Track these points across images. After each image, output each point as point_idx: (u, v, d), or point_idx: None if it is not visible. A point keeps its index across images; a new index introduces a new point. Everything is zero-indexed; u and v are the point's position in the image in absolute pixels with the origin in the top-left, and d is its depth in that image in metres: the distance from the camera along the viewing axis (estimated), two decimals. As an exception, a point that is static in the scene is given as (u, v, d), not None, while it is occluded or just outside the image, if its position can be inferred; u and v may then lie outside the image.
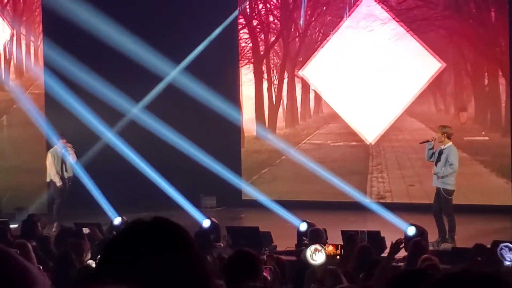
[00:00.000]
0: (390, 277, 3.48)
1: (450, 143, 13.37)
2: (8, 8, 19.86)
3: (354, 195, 17.41)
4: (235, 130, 19.19)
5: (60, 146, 16.16)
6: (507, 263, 9.63)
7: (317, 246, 8.56)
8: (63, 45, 18.05)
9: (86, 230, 11.96)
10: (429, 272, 6.83)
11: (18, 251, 8.61)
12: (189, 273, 1.98)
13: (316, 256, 8.39)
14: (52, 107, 18.49)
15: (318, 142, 18.90)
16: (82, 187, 17.22)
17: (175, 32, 18.61)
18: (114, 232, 12.18)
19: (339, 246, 10.69)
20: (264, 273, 8.10)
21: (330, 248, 10.52)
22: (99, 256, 1.91)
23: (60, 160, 16.07)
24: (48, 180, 16.27)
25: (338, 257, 10.34)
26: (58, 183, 16.01)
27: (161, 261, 1.95)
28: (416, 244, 10.06)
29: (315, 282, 7.95)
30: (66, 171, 16.18)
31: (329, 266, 8.42)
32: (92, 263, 9.48)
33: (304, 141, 19.10)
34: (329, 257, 8.75)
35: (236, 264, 5.86)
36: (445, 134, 13.33)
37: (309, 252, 8.40)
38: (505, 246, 9.86)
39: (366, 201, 17.60)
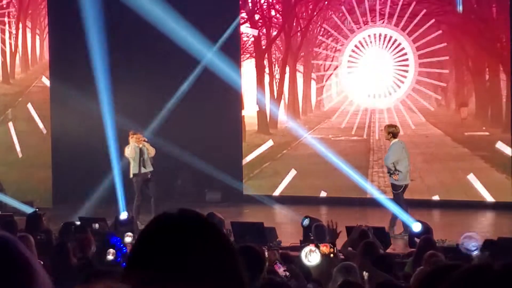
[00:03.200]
0: (428, 271, 3.32)
1: (395, 140, 14.23)
2: (13, 1, 19.85)
3: (358, 189, 17.47)
4: (237, 125, 19.24)
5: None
6: (475, 252, 9.70)
7: (311, 247, 8.57)
8: (69, 38, 18.08)
9: (96, 226, 12.04)
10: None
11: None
12: (222, 264, 2.01)
13: (311, 257, 8.40)
14: (57, 101, 18.51)
15: (319, 137, 18.90)
16: (87, 181, 17.32)
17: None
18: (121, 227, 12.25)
19: (333, 245, 10.67)
20: (276, 268, 8.18)
21: (324, 248, 10.48)
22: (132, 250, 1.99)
23: (139, 156, 15.48)
24: (131, 176, 15.60)
25: (332, 255, 10.31)
26: (134, 180, 15.51)
27: (196, 252, 1.98)
28: (425, 240, 10.06)
29: (311, 282, 7.97)
30: (144, 166, 15.56)
31: (345, 262, 8.46)
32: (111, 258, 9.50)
33: (305, 136, 19.09)
34: (323, 257, 8.72)
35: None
36: (391, 134, 14.23)
37: (303, 253, 8.41)
38: (464, 238, 9.92)
39: (367, 196, 17.67)
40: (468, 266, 1.86)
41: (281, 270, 8.42)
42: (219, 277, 2.00)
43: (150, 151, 15.57)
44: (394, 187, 14.18)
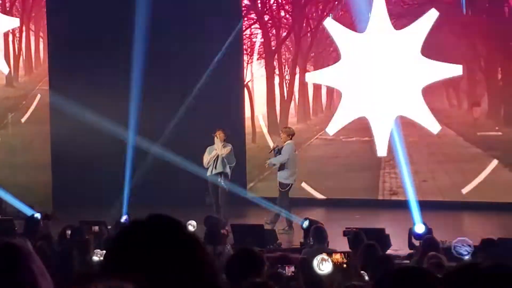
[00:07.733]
0: (392, 271, 3.28)
1: (289, 141, 15.04)
2: (17, 4, 19.95)
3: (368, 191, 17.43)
4: (240, 127, 19.21)
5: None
6: (466, 257, 9.67)
7: (324, 256, 8.50)
8: (69, 40, 18.16)
9: (95, 229, 12.07)
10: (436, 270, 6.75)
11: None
12: (190, 266, 2.06)
13: (323, 265, 8.33)
14: (57, 104, 18.54)
15: (330, 138, 18.80)
16: (90, 183, 17.37)
17: (184, 31, 18.53)
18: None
19: (347, 254, 10.61)
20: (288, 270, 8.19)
21: (338, 257, 10.40)
22: (103, 254, 2.28)
23: (213, 156, 14.60)
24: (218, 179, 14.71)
25: (345, 265, 10.23)
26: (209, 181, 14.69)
27: (161, 255, 2.04)
28: (428, 241, 9.97)
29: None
30: (215, 167, 14.58)
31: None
32: (96, 259, 9.54)
33: (316, 137, 19.03)
34: (336, 266, 8.67)
35: (238, 262, 5.92)
36: (290, 136, 15.10)
37: (316, 261, 8.34)
38: (456, 242, 9.89)
39: (378, 198, 17.61)
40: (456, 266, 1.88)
41: (289, 270, 8.44)
42: (183, 275, 2.04)
43: (218, 149, 14.50)
44: (281, 185, 14.93)
